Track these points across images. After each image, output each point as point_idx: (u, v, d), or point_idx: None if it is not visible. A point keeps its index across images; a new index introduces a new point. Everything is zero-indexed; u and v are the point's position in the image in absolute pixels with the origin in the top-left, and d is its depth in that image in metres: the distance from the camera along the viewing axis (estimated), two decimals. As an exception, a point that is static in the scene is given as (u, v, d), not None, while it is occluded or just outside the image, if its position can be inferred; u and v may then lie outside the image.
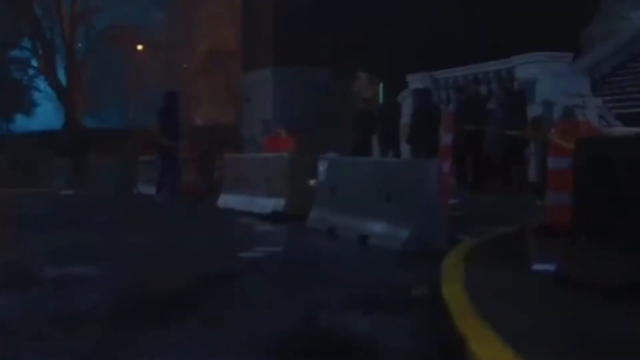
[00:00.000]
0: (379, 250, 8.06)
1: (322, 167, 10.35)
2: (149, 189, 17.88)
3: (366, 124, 16.58)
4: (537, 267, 6.04)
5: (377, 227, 8.51)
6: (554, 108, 14.31)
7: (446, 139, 10.04)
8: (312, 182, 10.86)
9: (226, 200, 13.44)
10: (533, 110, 14.42)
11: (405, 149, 15.87)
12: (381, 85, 22.57)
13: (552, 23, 18.98)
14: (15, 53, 40.89)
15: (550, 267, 5.86)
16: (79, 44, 40.37)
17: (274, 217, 11.43)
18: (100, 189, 20.29)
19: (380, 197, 8.61)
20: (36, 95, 42.55)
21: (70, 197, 19.42)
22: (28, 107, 42.60)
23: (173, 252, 8.10)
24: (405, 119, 16.76)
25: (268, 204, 11.90)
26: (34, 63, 40.66)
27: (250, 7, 27.79)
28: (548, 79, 15.20)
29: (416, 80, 18.69)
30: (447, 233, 8.10)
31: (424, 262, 7.17)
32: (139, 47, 42.26)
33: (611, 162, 5.49)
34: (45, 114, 41.65)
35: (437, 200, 8.12)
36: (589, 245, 5.63)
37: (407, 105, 17.68)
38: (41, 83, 40.78)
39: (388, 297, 5.83)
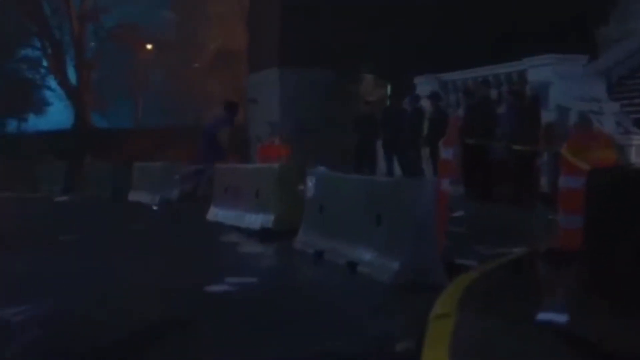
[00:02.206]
0: (367, 282, 7.16)
1: (310, 183, 9.47)
2: (140, 196, 17.15)
3: (366, 127, 15.82)
4: (543, 316, 5.15)
5: (367, 254, 7.61)
6: (568, 114, 13.45)
7: (446, 152, 9.19)
8: (301, 187, 10.00)
9: (215, 214, 12.59)
10: (546, 117, 13.53)
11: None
12: (389, 87, 21.77)
13: (566, 23, 18.07)
14: (27, 52, 40.27)
15: (558, 317, 4.99)
16: (92, 43, 39.79)
17: (262, 234, 10.63)
18: (96, 194, 19.51)
19: (371, 219, 7.71)
20: (48, 94, 41.94)
21: (62, 204, 18.65)
22: (40, 107, 41.96)
23: (129, 286, 7.11)
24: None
25: (257, 219, 11.08)
26: (45, 62, 40.07)
27: (257, 8, 27.03)
28: (561, 83, 14.28)
29: (423, 83, 17.79)
30: (444, 261, 7.18)
31: (415, 300, 6.29)
32: (149, 46, 41.56)
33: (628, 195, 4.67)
34: (58, 113, 41.06)
35: (432, 226, 7.19)
36: (602, 287, 4.78)
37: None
38: (53, 82, 40.18)
39: (366, 352, 4.97)
